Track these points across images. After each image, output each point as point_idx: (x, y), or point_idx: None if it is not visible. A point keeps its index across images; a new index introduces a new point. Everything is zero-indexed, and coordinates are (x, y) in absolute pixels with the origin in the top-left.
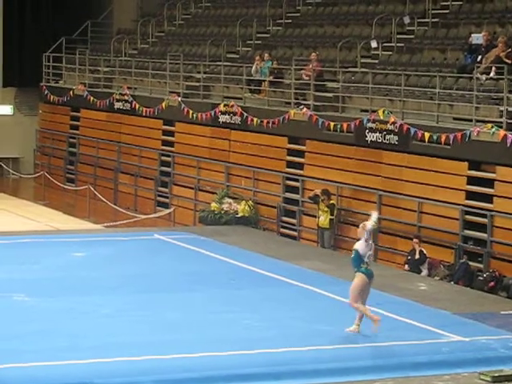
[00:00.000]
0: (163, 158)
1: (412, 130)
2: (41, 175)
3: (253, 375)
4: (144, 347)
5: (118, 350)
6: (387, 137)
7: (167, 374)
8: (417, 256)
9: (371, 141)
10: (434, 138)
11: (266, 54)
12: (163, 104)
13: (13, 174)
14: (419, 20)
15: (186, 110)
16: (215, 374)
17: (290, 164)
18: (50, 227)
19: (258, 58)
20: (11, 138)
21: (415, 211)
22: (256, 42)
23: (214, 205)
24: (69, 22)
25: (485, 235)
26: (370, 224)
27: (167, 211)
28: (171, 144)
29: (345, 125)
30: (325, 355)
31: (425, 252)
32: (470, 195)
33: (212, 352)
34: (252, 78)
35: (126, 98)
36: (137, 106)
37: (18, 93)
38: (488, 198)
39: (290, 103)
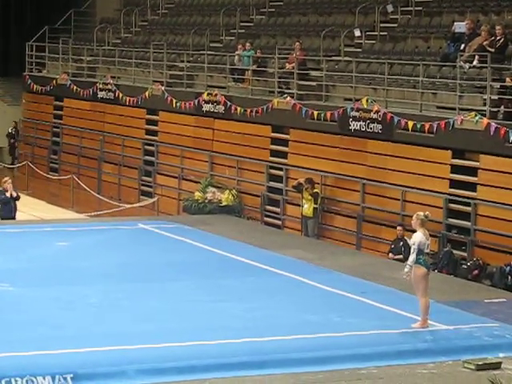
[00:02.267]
0: (147, 147)
1: (396, 119)
2: (24, 165)
3: (238, 364)
4: (128, 336)
5: (101, 339)
6: (371, 125)
7: (152, 363)
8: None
9: (355, 129)
10: (418, 126)
11: (248, 44)
12: (146, 93)
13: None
14: (402, 8)
15: (169, 99)
16: (200, 363)
17: (274, 153)
18: (33, 217)
19: (240, 46)
20: None
21: (399, 200)
22: (239, 31)
23: (197, 194)
24: (52, 11)
25: (468, 223)
26: (421, 214)
27: (151, 200)
28: (155, 133)
29: (328, 114)
30: (310, 344)
31: (408, 241)
32: (454, 184)
33: (197, 341)
34: (235, 67)
35: (109, 87)
36: (120, 95)
37: (1, 82)
38: (472, 187)
39: (273, 92)
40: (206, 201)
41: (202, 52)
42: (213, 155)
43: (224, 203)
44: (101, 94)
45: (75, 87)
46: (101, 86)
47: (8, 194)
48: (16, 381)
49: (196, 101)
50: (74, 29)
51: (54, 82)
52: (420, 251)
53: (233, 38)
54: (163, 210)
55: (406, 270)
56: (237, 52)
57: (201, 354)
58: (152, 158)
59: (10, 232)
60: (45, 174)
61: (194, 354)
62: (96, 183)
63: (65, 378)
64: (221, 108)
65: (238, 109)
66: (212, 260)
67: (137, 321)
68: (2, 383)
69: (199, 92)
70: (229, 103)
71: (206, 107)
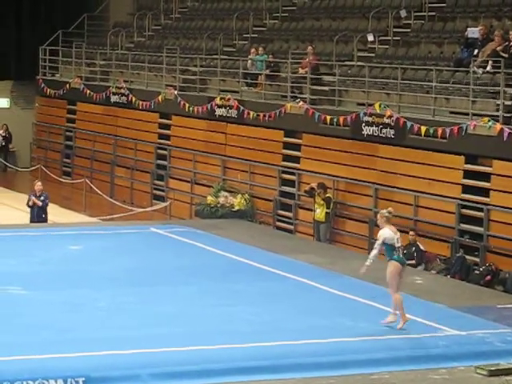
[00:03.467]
0: (159, 151)
1: (408, 124)
2: (37, 168)
3: (248, 368)
4: (140, 340)
5: (113, 343)
6: (383, 130)
7: (164, 367)
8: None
9: (367, 134)
10: (431, 131)
11: (261, 48)
12: (159, 97)
13: (9, 168)
14: (416, 13)
15: (182, 103)
16: (211, 367)
17: (286, 157)
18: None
19: (253, 51)
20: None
21: (411, 205)
22: (252, 35)
23: (210, 198)
24: (65, 15)
25: (481, 229)
26: (385, 211)
27: (163, 204)
28: (167, 137)
29: (341, 118)
30: (321, 349)
31: (421, 246)
32: (467, 189)
33: (208, 345)
34: (248, 71)
35: (122, 91)
36: (133, 99)
37: (14, 86)
38: (484, 192)
39: (286, 97)
40: (219, 205)
41: (215, 56)
42: (225, 159)
43: (236, 208)
44: (114, 98)
45: (88, 91)
46: (114, 90)
47: (30, 203)
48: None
49: (209, 105)
50: (88, 33)
51: (68, 85)
52: (391, 247)
53: (246, 42)
54: (175, 214)
55: (367, 263)
56: (250, 56)
57: (211, 359)
58: (164, 162)
59: (23, 235)
60: (58, 178)
61: (205, 359)
62: (109, 187)
63: (77, 382)
64: (233, 112)
65: (251, 113)
66: (223, 264)
67: (148, 325)
68: None
69: (212, 96)
70: (241, 108)
71: (219, 111)
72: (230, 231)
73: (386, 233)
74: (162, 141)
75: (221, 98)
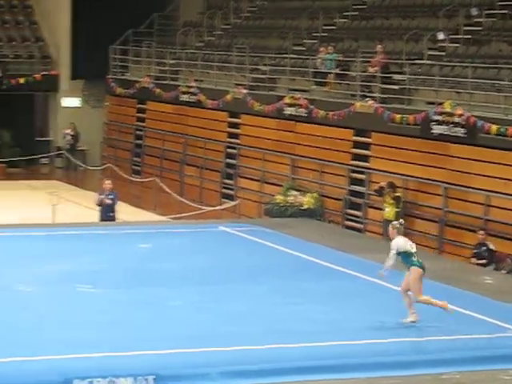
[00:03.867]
0: (229, 150)
1: (479, 123)
2: (107, 167)
3: (317, 367)
4: (210, 339)
5: (184, 341)
6: (454, 129)
7: (234, 366)
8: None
9: (437, 133)
10: (502, 130)
11: (330, 47)
12: (229, 96)
13: (80, 166)
14: (487, 11)
15: (251, 102)
16: (280, 365)
17: (356, 156)
18: (116, 219)
19: (322, 49)
20: (79, 130)
21: (482, 204)
22: (322, 34)
23: (279, 197)
24: (136, 14)
25: None
26: (396, 223)
27: (232, 203)
28: (237, 136)
29: (411, 117)
30: (389, 348)
31: (491, 246)
32: None
33: (277, 344)
34: (318, 70)
35: (191, 90)
36: (202, 98)
37: (85, 85)
38: None
39: (355, 95)
40: (288, 204)
41: (284, 55)
42: (294, 158)
43: (305, 206)
44: (183, 97)
45: (158, 90)
46: (183, 89)
47: (99, 201)
48: (98, 381)
49: (278, 104)
50: (158, 32)
51: (137, 84)
52: (409, 254)
53: (315, 41)
54: (244, 212)
55: (383, 272)
56: (319, 55)
57: (281, 357)
58: (234, 161)
59: (93, 234)
60: (128, 177)
61: (274, 357)
62: (178, 186)
63: (146, 380)
64: (303, 111)
65: (320, 112)
66: (292, 263)
67: (218, 323)
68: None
69: (281, 95)
70: (311, 106)
71: (288, 110)
72: (299, 230)
73: (399, 241)
74: (231, 140)
75: (290, 97)
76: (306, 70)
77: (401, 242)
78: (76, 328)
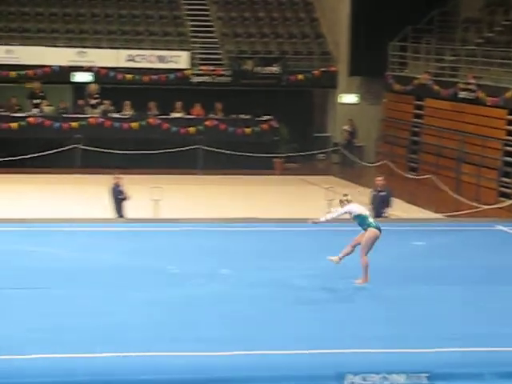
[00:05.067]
0: (507, 148)
1: None
2: (383, 164)
3: None
4: (484, 338)
5: (458, 340)
6: None
7: (509, 367)
8: None
9: None
10: None
11: None
12: (509, 93)
13: (356, 163)
14: None
15: None
16: None
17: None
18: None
19: None
20: (356, 126)
21: None
22: None
23: None
24: (415, 10)
25: None
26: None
27: (510, 202)
28: None
29: None
30: None
31: None
32: None
33: None
34: None
35: (470, 87)
36: (481, 95)
37: (362, 82)
38: None
39: None
40: None
41: None
42: None
43: None
44: (462, 94)
45: (436, 87)
46: (462, 85)
47: None
48: (372, 377)
49: None
50: (438, 28)
51: (416, 81)
52: (365, 217)
53: None
54: None
55: (321, 219)
56: None
57: None
58: None
59: None
60: (403, 173)
61: None
62: (454, 183)
63: (419, 377)
64: None
65: None
66: None
67: (493, 323)
68: (357, 378)
69: None
70: None
71: None
72: None
73: (352, 206)
74: (509, 137)
75: None
76: None
77: (354, 207)
78: (366, 323)
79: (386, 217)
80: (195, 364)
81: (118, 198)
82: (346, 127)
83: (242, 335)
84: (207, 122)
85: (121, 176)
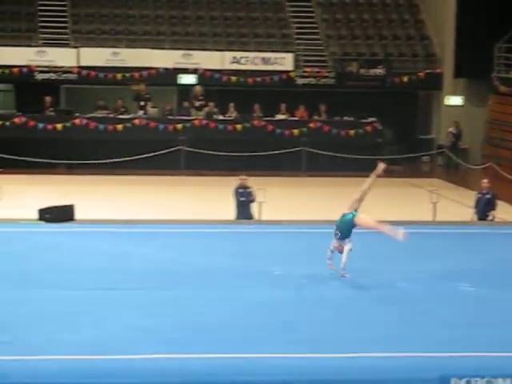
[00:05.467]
0: None
1: None
2: (488, 166)
3: None
4: None
5: None
6: None
7: None
8: None
9: None
10: None
11: None
12: None
13: (461, 165)
14: None
15: None
16: None
17: None
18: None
19: None
20: (461, 128)
21: None
22: None
23: None
24: None
25: None
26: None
27: None
28: None
29: None
30: None
31: None
32: None
33: None
34: None
35: None
36: None
37: (468, 83)
38: None
39: None
40: None
41: None
42: None
43: None
44: None
45: None
46: None
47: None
48: (476, 381)
49: None
50: None
51: None
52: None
53: None
54: None
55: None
56: None
57: None
58: None
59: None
60: (508, 176)
61: None
62: None
63: None
64: None
65: None
66: None
67: None
68: (462, 383)
69: None
70: None
71: None
72: None
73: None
74: None
75: None
76: None
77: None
78: (472, 327)
79: (491, 219)
80: (294, 366)
81: (241, 199)
82: (450, 129)
83: (342, 337)
84: (311, 124)
85: (246, 177)
